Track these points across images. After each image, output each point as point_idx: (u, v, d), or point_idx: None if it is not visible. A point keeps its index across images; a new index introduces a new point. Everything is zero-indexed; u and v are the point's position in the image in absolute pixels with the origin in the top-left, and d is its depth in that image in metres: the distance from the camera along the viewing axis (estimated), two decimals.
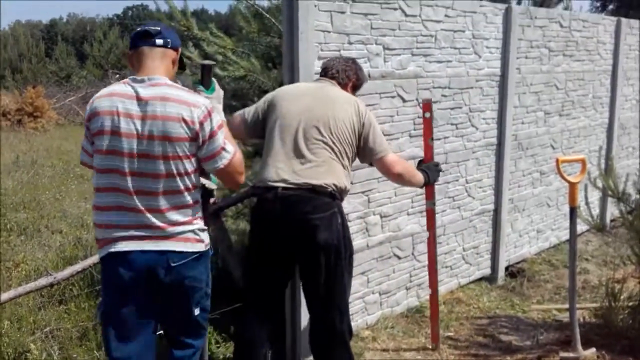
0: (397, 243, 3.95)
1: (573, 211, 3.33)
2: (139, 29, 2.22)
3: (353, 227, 3.61)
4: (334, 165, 2.72)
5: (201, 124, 2.12)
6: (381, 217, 3.81)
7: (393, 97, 3.74)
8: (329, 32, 3.29)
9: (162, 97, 2.11)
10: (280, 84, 3.32)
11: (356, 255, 3.60)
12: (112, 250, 2.19)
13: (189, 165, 2.16)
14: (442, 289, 4.23)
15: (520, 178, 4.94)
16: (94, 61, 22.31)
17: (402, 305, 4.09)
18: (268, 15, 3.85)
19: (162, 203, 2.16)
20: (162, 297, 2.26)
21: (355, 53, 3.46)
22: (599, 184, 4.05)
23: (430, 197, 3.47)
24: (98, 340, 3.58)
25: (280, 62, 3.61)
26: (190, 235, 2.22)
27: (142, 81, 2.15)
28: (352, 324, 2.98)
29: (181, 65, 2.36)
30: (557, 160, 3.37)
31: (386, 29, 3.63)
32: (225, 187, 2.42)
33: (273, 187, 2.66)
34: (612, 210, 5.87)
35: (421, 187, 3.21)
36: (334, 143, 2.73)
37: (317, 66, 3.22)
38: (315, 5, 3.18)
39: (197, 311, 2.32)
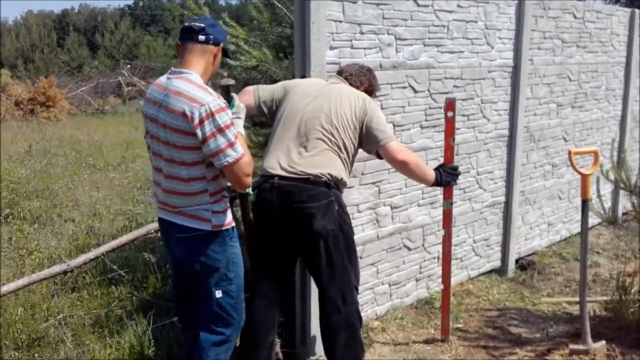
0: (407, 234, 3.95)
1: (585, 204, 3.31)
2: (186, 24, 2.41)
3: (363, 217, 3.62)
4: (331, 156, 2.76)
5: (201, 121, 2.24)
6: (392, 208, 3.81)
7: (404, 87, 3.73)
8: (340, 21, 3.28)
9: (177, 92, 2.30)
10: (292, 74, 3.33)
11: (366, 246, 3.62)
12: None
13: (188, 156, 2.32)
14: (452, 281, 4.22)
15: (531, 170, 4.92)
16: (106, 51, 22.44)
17: (411, 297, 4.09)
18: (280, 5, 3.85)
19: (166, 185, 2.42)
20: (182, 271, 2.54)
21: (367, 43, 3.45)
22: (611, 176, 4.02)
23: (448, 196, 3.45)
24: (110, 327, 3.62)
25: (291, 52, 3.61)
26: (195, 212, 2.38)
27: (175, 73, 2.38)
28: (362, 314, 2.99)
29: (225, 55, 2.55)
30: (570, 152, 3.35)
31: (398, 19, 3.61)
32: (232, 187, 2.50)
33: (271, 177, 2.73)
34: (625, 203, 5.82)
35: (431, 186, 3.13)
36: (332, 134, 2.77)
37: (329, 56, 3.23)
38: None
39: (218, 293, 2.45)
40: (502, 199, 4.67)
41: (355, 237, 2.94)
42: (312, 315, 3.31)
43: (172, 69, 2.41)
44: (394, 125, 3.66)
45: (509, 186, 4.67)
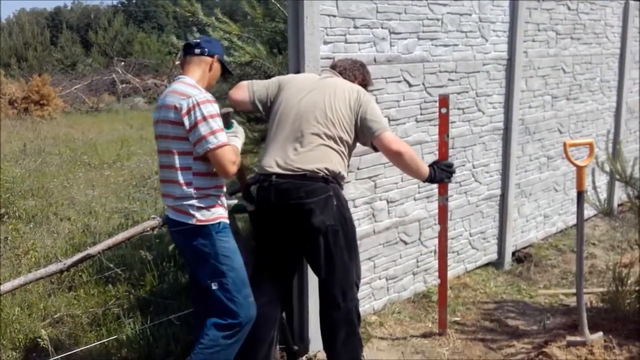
0: (403, 228, 3.96)
1: (581, 195, 3.31)
2: (186, 42, 2.80)
3: (359, 212, 3.62)
4: (327, 151, 2.75)
5: (188, 111, 2.49)
6: (388, 202, 3.81)
7: (399, 81, 3.73)
8: (334, 16, 3.27)
9: (172, 91, 2.59)
10: (286, 69, 3.32)
11: (363, 241, 3.62)
12: None
13: (177, 146, 2.54)
14: (449, 274, 4.23)
15: (527, 163, 4.92)
16: (99, 49, 22.34)
17: (409, 291, 4.10)
18: (273, 0, 3.83)
19: (162, 175, 2.67)
20: (186, 261, 2.84)
21: (361, 37, 3.44)
22: (607, 168, 4.03)
23: (443, 192, 3.45)
24: (108, 325, 3.62)
25: (285, 48, 3.60)
26: (181, 207, 2.56)
27: (175, 80, 2.69)
28: (360, 309, 2.98)
29: (225, 71, 2.82)
30: (565, 144, 3.35)
31: (392, 13, 3.60)
32: (219, 174, 2.61)
33: (269, 176, 2.74)
34: (620, 194, 5.84)
35: (424, 181, 3.06)
36: (328, 128, 2.76)
37: (323, 51, 3.22)
38: None
39: (214, 285, 2.59)
40: (498, 191, 4.67)
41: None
42: (310, 311, 3.31)
43: (177, 76, 2.73)
44: (389, 120, 3.66)
45: (505, 179, 4.68)
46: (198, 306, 2.86)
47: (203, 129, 2.48)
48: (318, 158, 2.72)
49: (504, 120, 4.57)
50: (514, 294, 4.27)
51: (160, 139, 2.63)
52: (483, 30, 4.24)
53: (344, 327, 2.81)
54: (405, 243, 4.00)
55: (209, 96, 2.55)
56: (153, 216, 3.00)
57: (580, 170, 3.31)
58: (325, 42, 3.24)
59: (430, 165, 3.03)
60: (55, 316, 3.82)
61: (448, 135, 3.35)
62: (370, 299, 3.82)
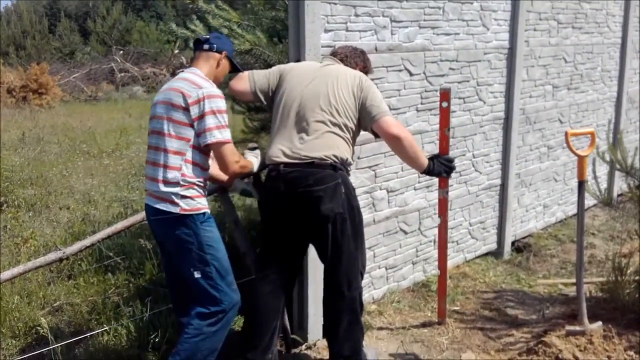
0: (403, 218, 3.95)
1: (581, 185, 3.30)
2: (196, 38, 2.86)
3: (359, 202, 3.60)
4: (333, 138, 2.74)
5: (198, 101, 2.51)
6: (388, 192, 3.80)
7: (400, 70, 3.71)
8: (335, 4, 3.25)
9: (181, 78, 2.64)
10: (287, 58, 3.30)
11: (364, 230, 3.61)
12: None
13: (175, 129, 2.53)
14: (449, 264, 4.22)
15: (527, 152, 4.91)
16: (98, 37, 22.20)
17: (408, 280, 4.10)
18: None
19: (152, 157, 2.62)
20: (165, 251, 2.77)
21: (362, 25, 3.42)
22: (607, 157, 4.02)
23: (443, 185, 3.44)
24: (107, 314, 3.62)
25: (286, 36, 3.57)
26: (165, 195, 2.54)
27: (186, 70, 2.73)
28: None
29: (234, 69, 2.86)
30: (567, 134, 3.34)
31: (393, 1, 3.58)
32: (220, 169, 2.64)
33: (276, 165, 2.72)
34: (620, 184, 5.84)
35: (422, 173, 3.03)
36: (333, 116, 2.74)
37: (324, 39, 3.19)
38: None
39: (197, 274, 2.58)
40: (498, 181, 4.67)
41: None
42: (309, 300, 3.32)
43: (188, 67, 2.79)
44: (390, 109, 3.63)
45: (505, 169, 4.67)
46: (176, 295, 2.84)
47: (211, 121, 2.51)
48: (325, 145, 2.71)
49: (505, 109, 4.55)
50: (513, 284, 4.28)
51: (156, 120, 2.61)
52: (484, 19, 4.22)
53: (347, 316, 2.82)
54: (405, 232, 3.99)
55: (219, 92, 2.58)
56: None
57: (581, 159, 3.30)
58: (326, 30, 3.22)
59: (430, 158, 3.01)
60: (55, 305, 3.83)
61: (449, 129, 3.32)
62: (369, 288, 3.83)
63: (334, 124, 2.74)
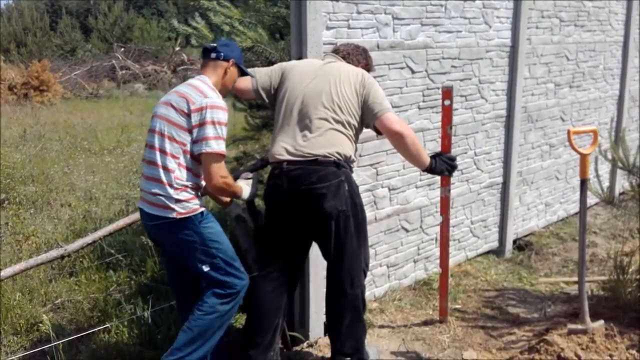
0: (405, 216, 3.95)
1: (584, 183, 3.30)
2: (204, 46, 2.84)
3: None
4: (336, 135, 2.74)
5: (200, 109, 2.53)
6: (389, 190, 3.80)
7: (402, 68, 3.70)
8: (337, 1, 3.24)
9: (190, 84, 2.66)
10: (288, 55, 3.29)
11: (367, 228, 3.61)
12: None
13: (174, 132, 2.56)
14: (450, 262, 4.22)
15: (529, 151, 4.91)
16: (99, 34, 22.17)
17: (409, 278, 4.10)
18: None
19: (148, 156, 2.64)
20: (165, 252, 2.83)
21: (364, 23, 3.41)
22: (609, 156, 4.01)
23: (445, 184, 3.43)
24: (109, 311, 3.62)
25: (287, 33, 3.56)
26: (158, 201, 2.56)
27: (195, 77, 2.74)
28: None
29: (242, 74, 2.86)
30: (569, 132, 3.33)
31: None
32: (204, 178, 2.64)
33: (279, 163, 2.73)
34: (622, 183, 5.82)
35: (423, 171, 3.02)
36: (335, 113, 2.74)
37: (326, 36, 3.19)
38: None
39: (205, 268, 2.62)
40: (500, 179, 4.66)
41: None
42: (311, 298, 3.31)
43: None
44: (392, 107, 3.61)
45: (507, 167, 4.66)
46: (180, 292, 2.89)
47: (209, 131, 2.53)
48: (328, 142, 2.70)
49: (507, 107, 4.54)
50: (515, 282, 4.27)
51: (157, 119, 2.63)
52: (487, 17, 4.21)
53: (349, 313, 2.82)
54: (407, 230, 3.99)
55: (223, 104, 2.61)
56: None
57: (583, 157, 3.29)
58: (328, 28, 3.22)
59: (432, 157, 2.99)
60: (56, 302, 3.83)
61: (451, 127, 3.31)
62: (371, 286, 3.82)
63: (337, 121, 2.74)
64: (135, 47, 19.80)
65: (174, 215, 2.54)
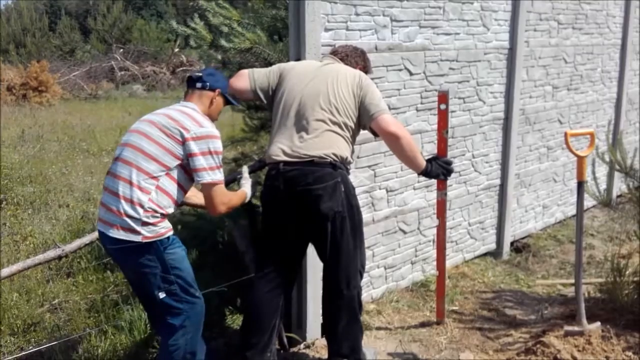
0: (402, 218, 3.95)
1: (581, 185, 3.30)
2: (188, 75, 2.81)
3: (359, 201, 3.60)
4: (333, 136, 2.74)
5: (198, 138, 2.48)
6: (387, 191, 3.80)
7: (400, 70, 3.71)
8: (335, 3, 3.25)
9: (182, 111, 2.59)
10: (287, 57, 3.30)
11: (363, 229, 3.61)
12: None
13: (158, 152, 2.47)
14: (447, 264, 4.22)
15: (527, 153, 4.92)
16: (98, 35, 22.16)
17: (407, 280, 4.10)
18: None
19: (119, 170, 2.52)
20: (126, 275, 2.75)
21: (362, 24, 3.42)
22: (607, 158, 4.02)
23: (442, 187, 3.44)
24: (106, 312, 3.62)
25: (286, 34, 3.57)
26: (124, 224, 2.43)
27: (182, 104, 2.69)
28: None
29: (227, 102, 2.82)
30: (566, 134, 3.34)
31: (394, 0, 3.58)
32: (207, 209, 2.63)
33: (276, 164, 2.73)
34: (619, 185, 5.84)
35: (419, 174, 3.02)
36: (332, 115, 2.74)
37: (324, 38, 3.20)
38: None
39: (161, 294, 2.52)
40: (498, 181, 4.67)
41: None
42: (309, 299, 3.32)
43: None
44: (390, 109, 3.63)
45: (504, 169, 4.67)
46: (150, 312, 2.81)
47: (209, 161, 2.49)
48: (324, 144, 2.71)
49: (505, 110, 4.55)
50: (512, 284, 4.28)
51: (139, 135, 2.52)
52: (485, 19, 4.22)
53: (345, 314, 2.82)
54: (404, 232, 4.00)
55: (218, 133, 2.58)
56: None
57: (581, 160, 3.30)
58: (326, 29, 3.22)
59: (429, 160, 2.99)
60: (54, 302, 3.83)
61: (447, 132, 3.31)
62: (368, 287, 3.83)
63: (334, 123, 2.74)
64: (134, 48, 19.80)
65: (139, 238, 2.42)
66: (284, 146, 2.74)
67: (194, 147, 2.47)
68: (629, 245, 4.72)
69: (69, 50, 21.06)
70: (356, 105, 2.80)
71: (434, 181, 3.89)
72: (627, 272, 3.67)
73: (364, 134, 3.00)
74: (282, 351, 3.22)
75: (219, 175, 2.52)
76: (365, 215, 3.66)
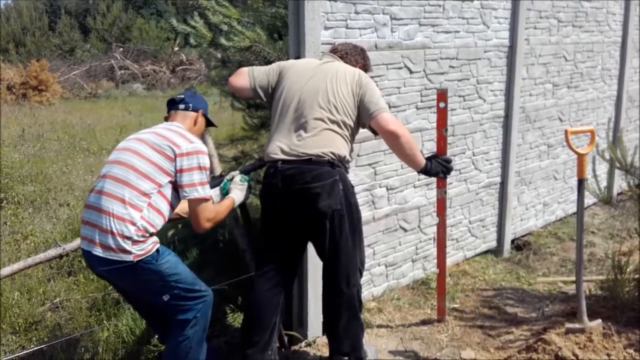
0: (403, 215, 3.95)
1: (581, 183, 3.30)
2: (170, 98, 2.85)
3: (359, 199, 3.59)
4: (331, 135, 2.74)
5: (188, 154, 2.52)
6: (387, 189, 3.80)
7: (400, 68, 3.71)
8: (335, 1, 3.25)
9: (171, 129, 2.63)
10: (287, 55, 3.30)
11: (362, 228, 3.61)
12: None
13: (149, 168, 2.49)
14: (448, 262, 4.23)
15: (527, 151, 4.92)
16: (98, 34, 22.17)
17: (407, 277, 4.11)
18: None
19: (108, 187, 2.50)
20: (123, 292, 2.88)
21: (362, 23, 3.41)
22: (607, 156, 4.02)
23: (442, 185, 3.44)
24: (107, 310, 3.63)
25: (286, 33, 3.57)
26: (114, 244, 2.41)
27: (169, 124, 2.71)
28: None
29: (209, 124, 2.90)
30: (567, 132, 3.34)
31: None
32: (193, 224, 2.63)
33: (274, 162, 2.73)
34: (620, 183, 5.84)
35: (418, 172, 3.01)
36: (331, 113, 2.74)
37: (324, 36, 3.19)
38: None
39: (165, 297, 2.57)
40: (498, 179, 4.67)
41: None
42: (309, 297, 3.32)
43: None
44: (390, 107, 3.64)
45: (505, 167, 4.67)
46: (153, 321, 2.90)
47: (197, 177, 2.52)
48: (323, 142, 2.70)
49: (505, 107, 4.55)
50: (513, 282, 4.28)
51: (130, 153, 2.53)
52: (485, 17, 4.22)
53: (346, 313, 2.82)
54: (405, 230, 4.00)
55: (205, 148, 2.63)
56: None
57: (581, 157, 3.30)
58: (326, 28, 3.22)
59: (428, 158, 2.99)
60: (55, 301, 3.83)
61: (446, 130, 3.31)
62: (369, 285, 3.83)
63: (333, 122, 2.74)
64: (134, 47, 19.81)
65: (130, 257, 2.40)
66: (282, 144, 2.74)
67: (184, 162, 2.51)
68: (630, 242, 4.72)
69: (68, 49, 21.07)
70: (355, 104, 2.79)
71: (434, 179, 3.89)
72: (628, 270, 3.67)
73: (364, 132, 3.00)
74: (282, 349, 3.22)
75: (208, 190, 2.57)
76: (366, 213, 3.67)
